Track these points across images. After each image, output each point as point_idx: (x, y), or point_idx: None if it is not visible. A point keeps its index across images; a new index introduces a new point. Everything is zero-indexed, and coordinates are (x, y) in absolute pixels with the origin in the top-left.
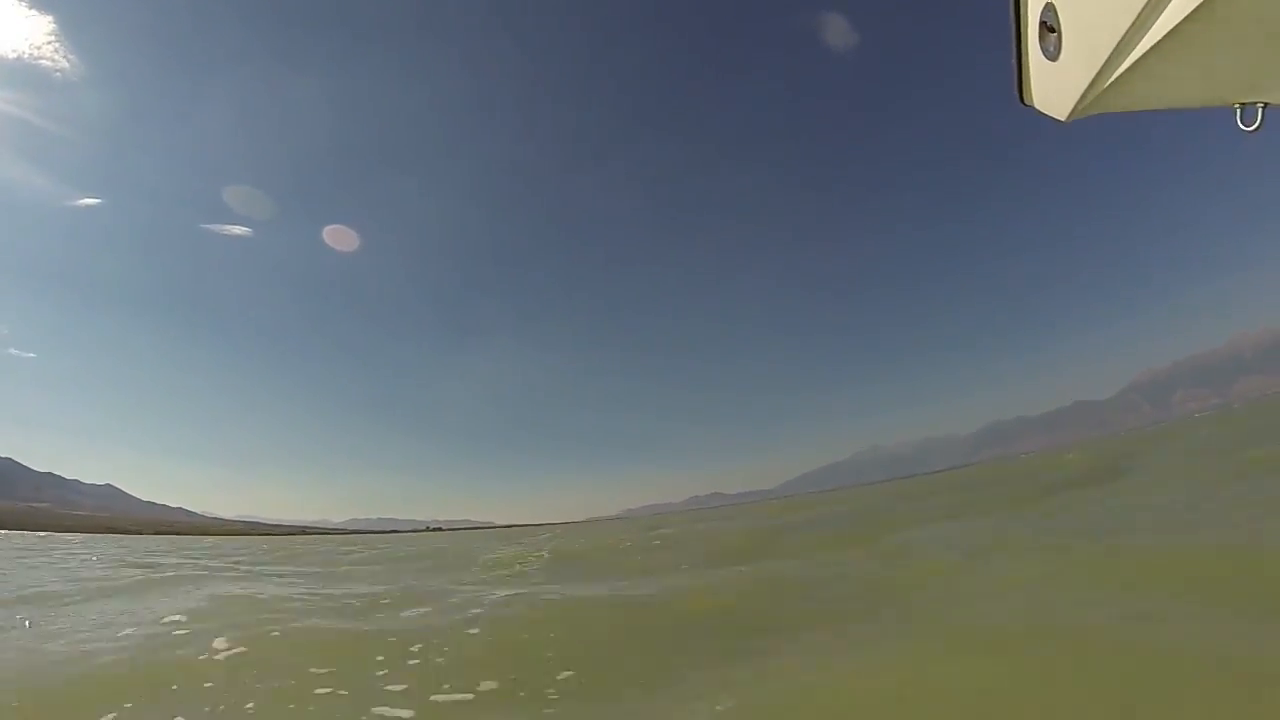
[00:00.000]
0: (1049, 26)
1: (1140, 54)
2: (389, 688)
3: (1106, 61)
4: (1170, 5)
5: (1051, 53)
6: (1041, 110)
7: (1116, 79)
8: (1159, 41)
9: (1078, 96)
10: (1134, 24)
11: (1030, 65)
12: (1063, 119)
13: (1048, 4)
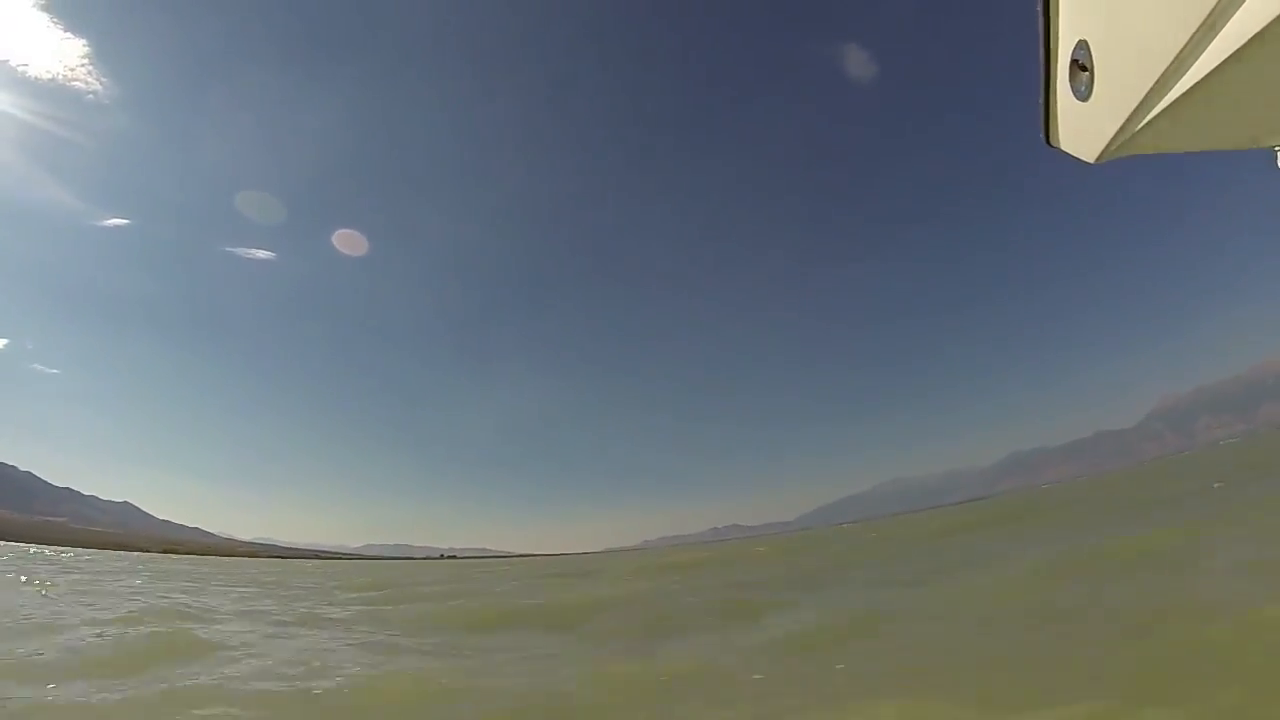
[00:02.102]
0: (1081, 65)
1: (1177, 96)
2: None
3: (1141, 103)
4: (1211, 47)
5: (1083, 93)
6: (1068, 152)
7: (1150, 121)
8: (1198, 83)
9: (1108, 138)
10: (1172, 64)
11: (1059, 106)
12: (1090, 161)
13: (1080, 42)
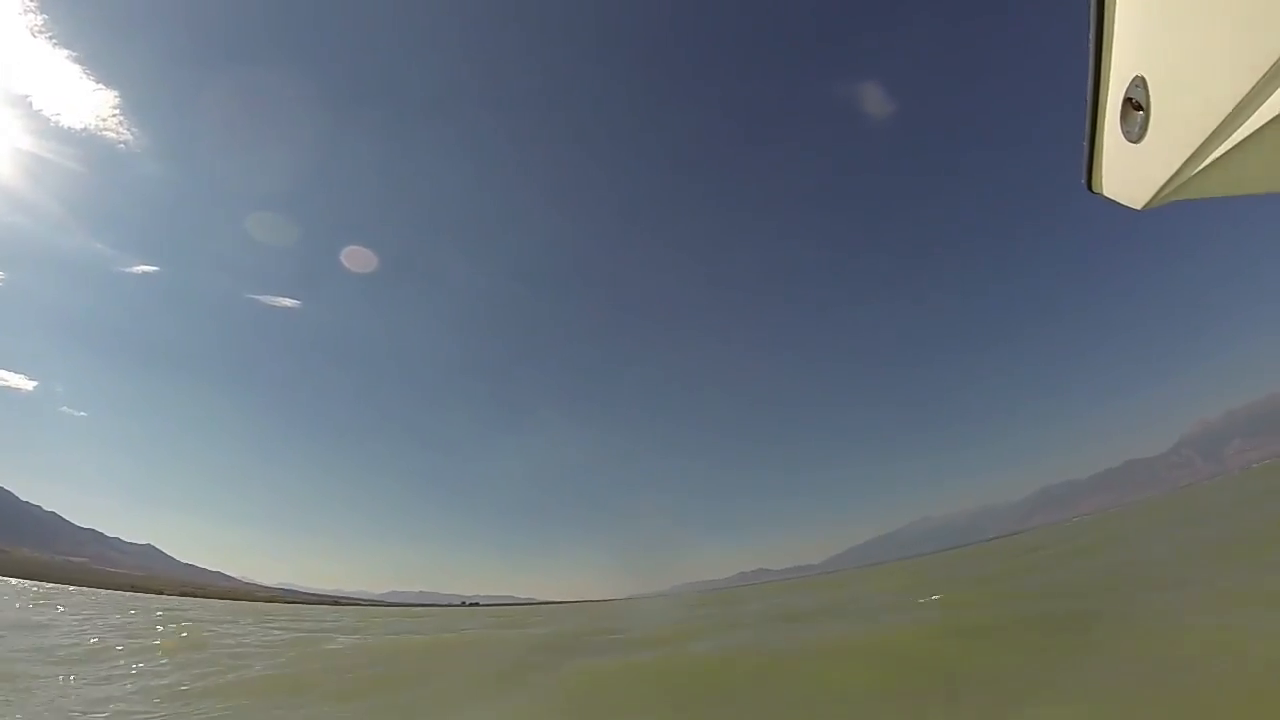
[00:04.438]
0: (1135, 104)
1: (1241, 139)
2: None
3: (1201, 146)
4: None
5: (1135, 134)
6: (1111, 198)
7: (1208, 165)
8: (1266, 124)
9: (1159, 184)
10: (1238, 106)
11: (1105, 148)
12: (1137, 208)
13: (1137, 79)
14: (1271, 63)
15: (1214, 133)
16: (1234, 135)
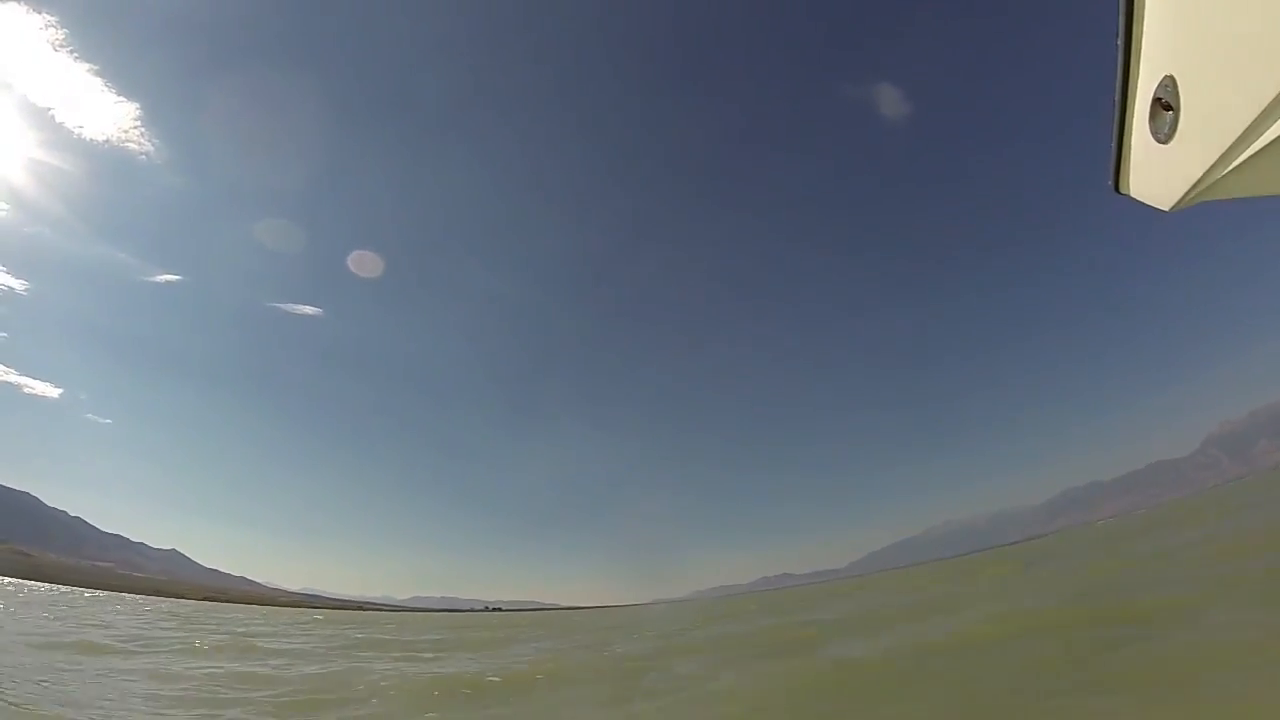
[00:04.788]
0: (1164, 104)
1: (1275, 136)
2: None
3: (1233, 145)
4: None
5: (1164, 134)
6: (1139, 199)
7: (1240, 165)
8: None
9: (1189, 184)
10: (1270, 105)
11: (1133, 149)
12: (1165, 208)
13: (1166, 79)
14: None
15: (1244, 133)
16: (1265, 135)
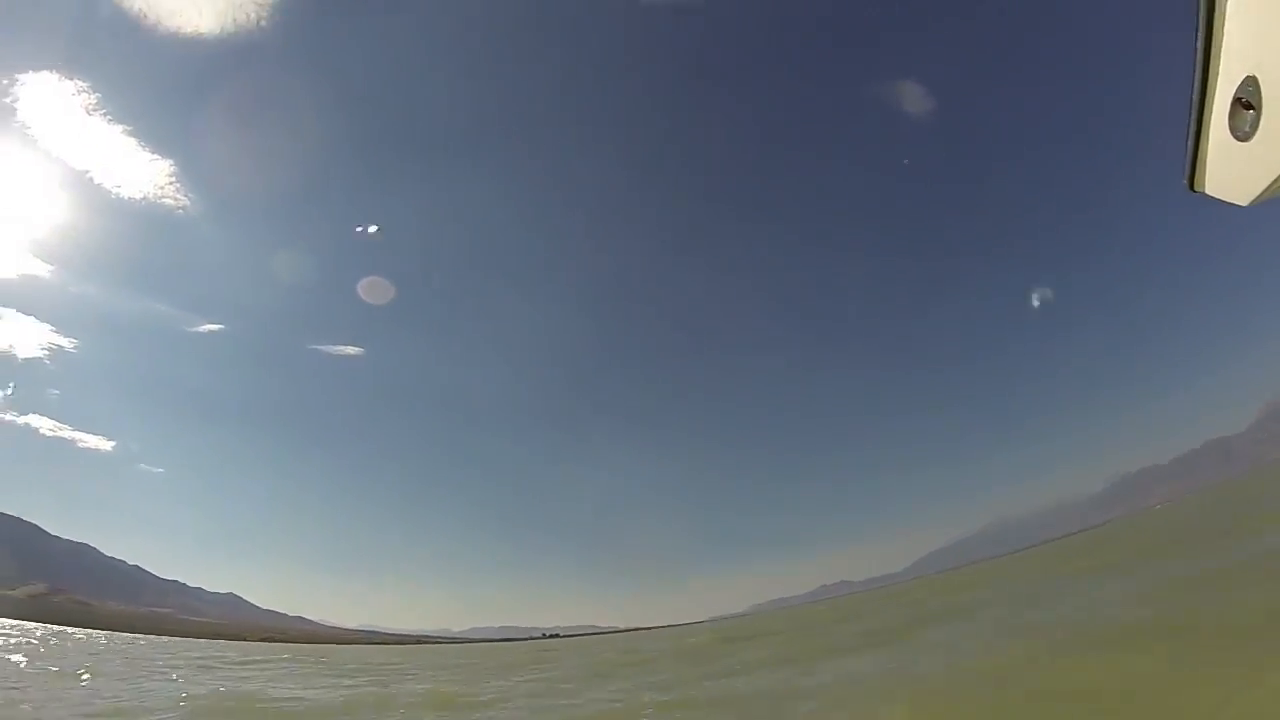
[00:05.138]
0: (1245, 104)
1: None
2: None
3: None
4: None
5: (1245, 132)
6: (1215, 196)
7: None
8: None
9: (1271, 178)
10: None
11: (1211, 147)
12: (1243, 204)
13: (1249, 78)
14: None
15: None
16: None
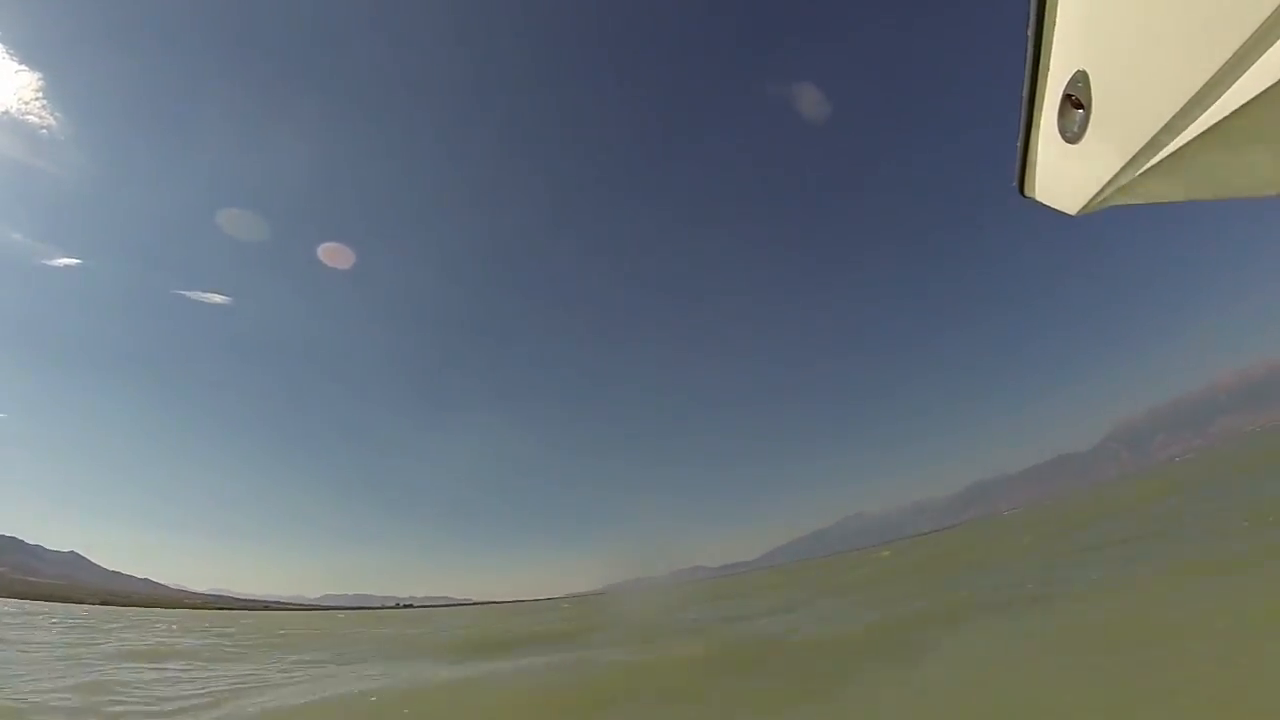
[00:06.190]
0: (1075, 101)
1: (1186, 140)
2: None
3: (1144, 147)
4: (1237, 85)
5: (1073, 133)
6: (1044, 203)
7: (1151, 168)
8: (1216, 126)
9: (1098, 186)
10: (1187, 105)
11: (1039, 148)
12: (1071, 212)
13: (1078, 74)
14: (1223, 61)
15: (1158, 134)
16: (1179, 138)
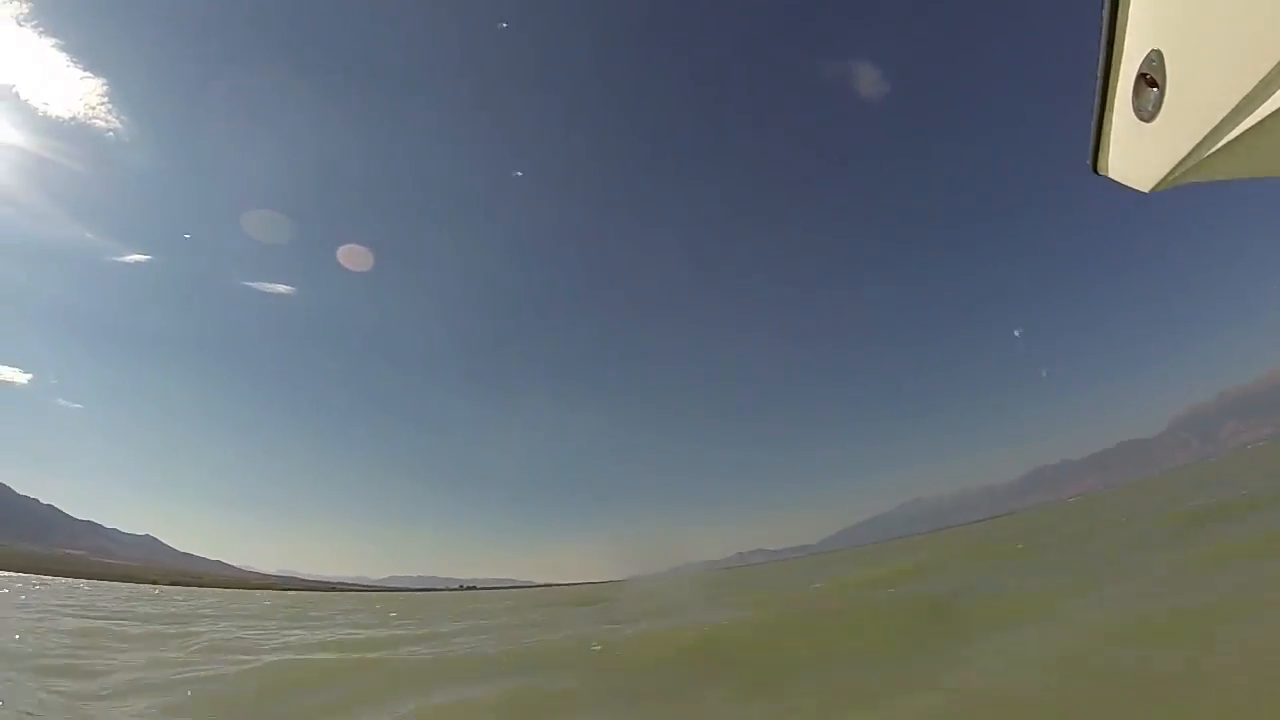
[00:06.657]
0: (1149, 80)
1: (1263, 117)
2: None
3: (1220, 124)
4: None
5: (1148, 111)
6: (1117, 180)
7: (1226, 145)
8: None
9: (1172, 163)
10: (1262, 83)
11: (1114, 127)
12: (1144, 189)
13: (1153, 53)
14: None
15: (1232, 112)
16: (1253, 115)
